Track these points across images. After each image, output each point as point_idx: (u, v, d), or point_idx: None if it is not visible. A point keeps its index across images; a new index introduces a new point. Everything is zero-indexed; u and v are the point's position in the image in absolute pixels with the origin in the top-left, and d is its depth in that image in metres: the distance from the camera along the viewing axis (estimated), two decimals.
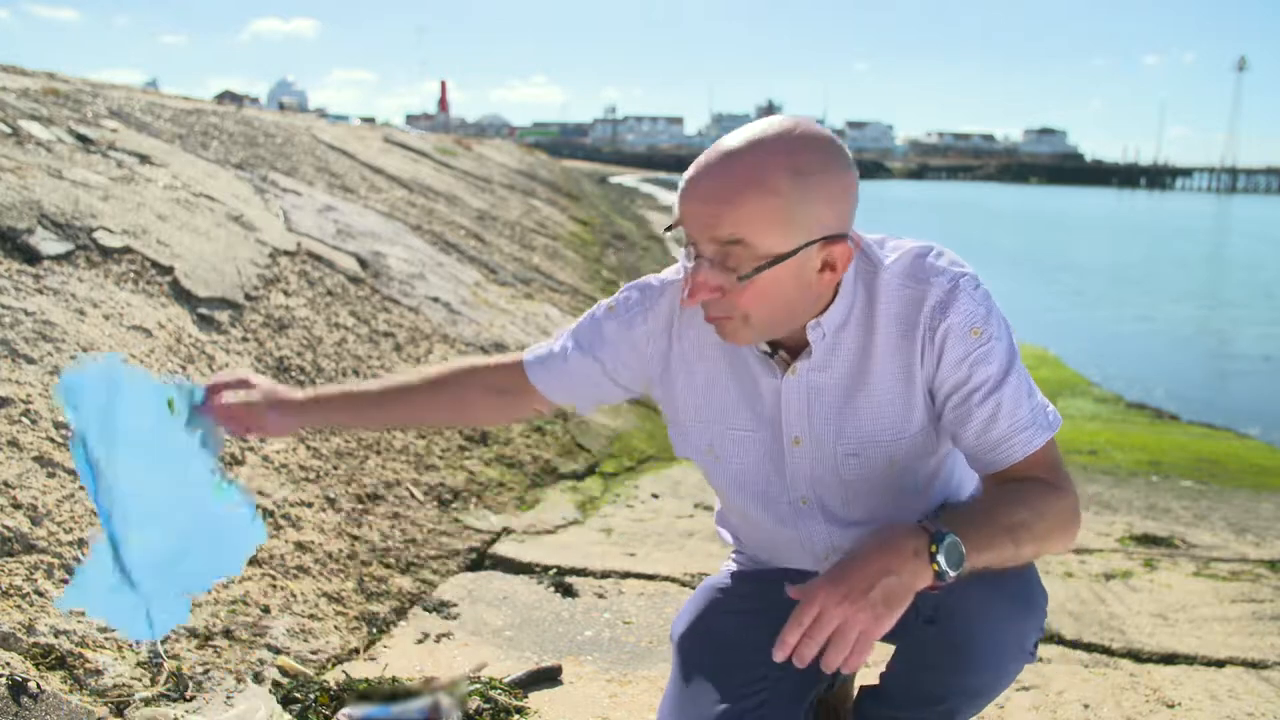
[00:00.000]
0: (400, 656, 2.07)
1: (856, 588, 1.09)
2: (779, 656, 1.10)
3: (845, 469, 1.37)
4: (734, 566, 1.65)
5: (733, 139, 1.21)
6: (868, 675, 1.51)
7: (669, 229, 1.28)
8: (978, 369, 1.26)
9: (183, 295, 3.23)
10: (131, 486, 1.37)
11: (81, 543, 1.96)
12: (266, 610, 2.07)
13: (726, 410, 1.41)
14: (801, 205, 1.18)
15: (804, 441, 1.37)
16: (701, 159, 1.22)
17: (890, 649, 1.39)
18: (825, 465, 1.38)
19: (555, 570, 2.64)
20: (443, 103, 63.77)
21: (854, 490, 1.39)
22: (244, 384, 1.48)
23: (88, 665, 1.67)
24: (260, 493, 2.52)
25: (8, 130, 4.00)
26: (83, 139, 4.45)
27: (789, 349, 1.36)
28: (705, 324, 1.36)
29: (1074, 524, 1.26)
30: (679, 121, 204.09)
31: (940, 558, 1.12)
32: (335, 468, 2.85)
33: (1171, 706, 1.99)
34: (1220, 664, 2.22)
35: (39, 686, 1.53)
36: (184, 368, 2.83)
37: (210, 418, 1.45)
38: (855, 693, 1.52)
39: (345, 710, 1.55)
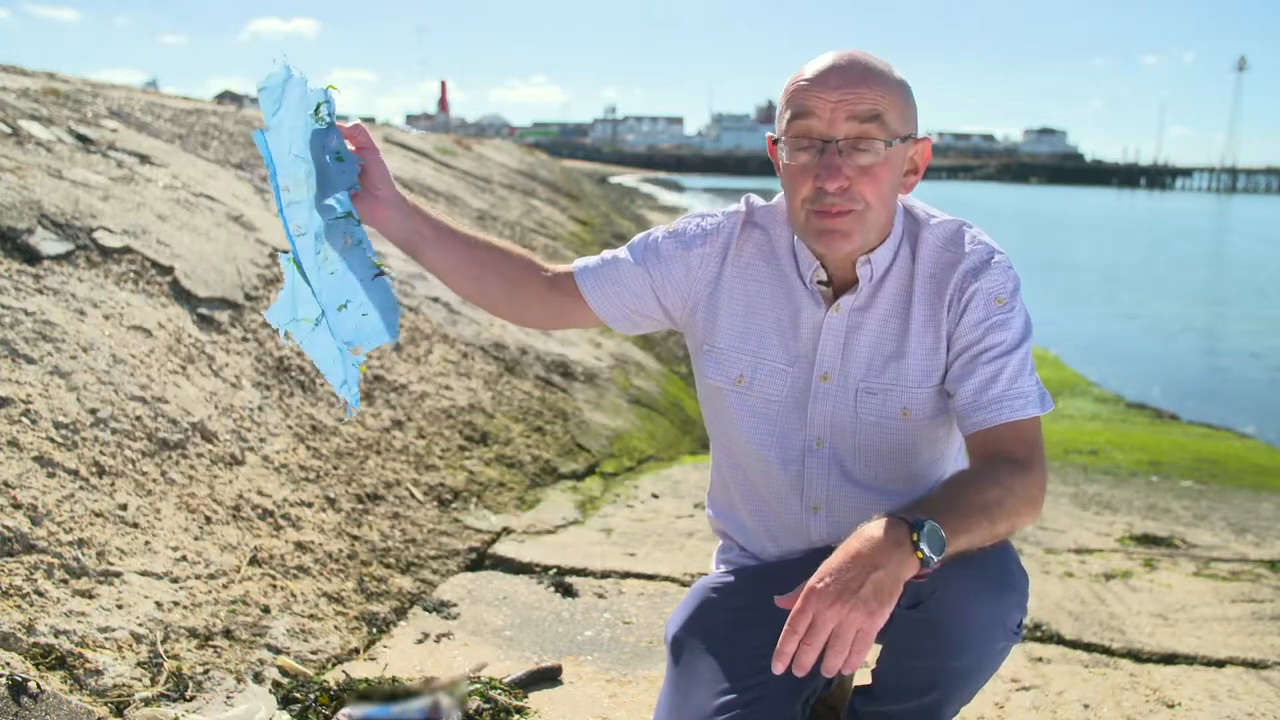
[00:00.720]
0: (400, 656, 2.07)
1: (847, 588, 1.11)
2: (778, 668, 1.11)
3: (863, 408, 1.43)
4: (726, 566, 1.65)
5: (835, 51, 1.35)
6: (863, 675, 1.51)
7: (777, 139, 1.37)
8: (992, 333, 1.36)
9: (183, 295, 3.23)
10: (303, 202, 1.29)
11: (82, 543, 1.96)
12: (266, 610, 2.07)
13: (764, 341, 1.48)
14: (909, 99, 1.36)
15: (832, 378, 1.44)
16: (815, 63, 1.34)
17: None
18: (846, 405, 1.44)
19: (555, 570, 2.64)
20: (443, 103, 63.78)
21: (866, 439, 1.45)
22: (366, 141, 1.39)
23: (88, 665, 1.67)
24: (260, 493, 2.52)
25: (8, 130, 4.00)
26: (83, 139, 4.45)
27: (835, 289, 1.45)
28: (753, 262, 1.48)
29: (1040, 498, 1.32)
30: (679, 121, 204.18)
31: (922, 545, 1.14)
32: (335, 468, 2.85)
33: (1171, 706, 1.99)
34: (1220, 664, 2.22)
35: (39, 686, 1.53)
36: (184, 368, 2.84)
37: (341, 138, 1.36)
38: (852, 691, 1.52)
39: (345, 710, 1.55)
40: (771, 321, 1.48)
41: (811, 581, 1.13)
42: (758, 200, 1.54)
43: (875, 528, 1.16)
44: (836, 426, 1.46)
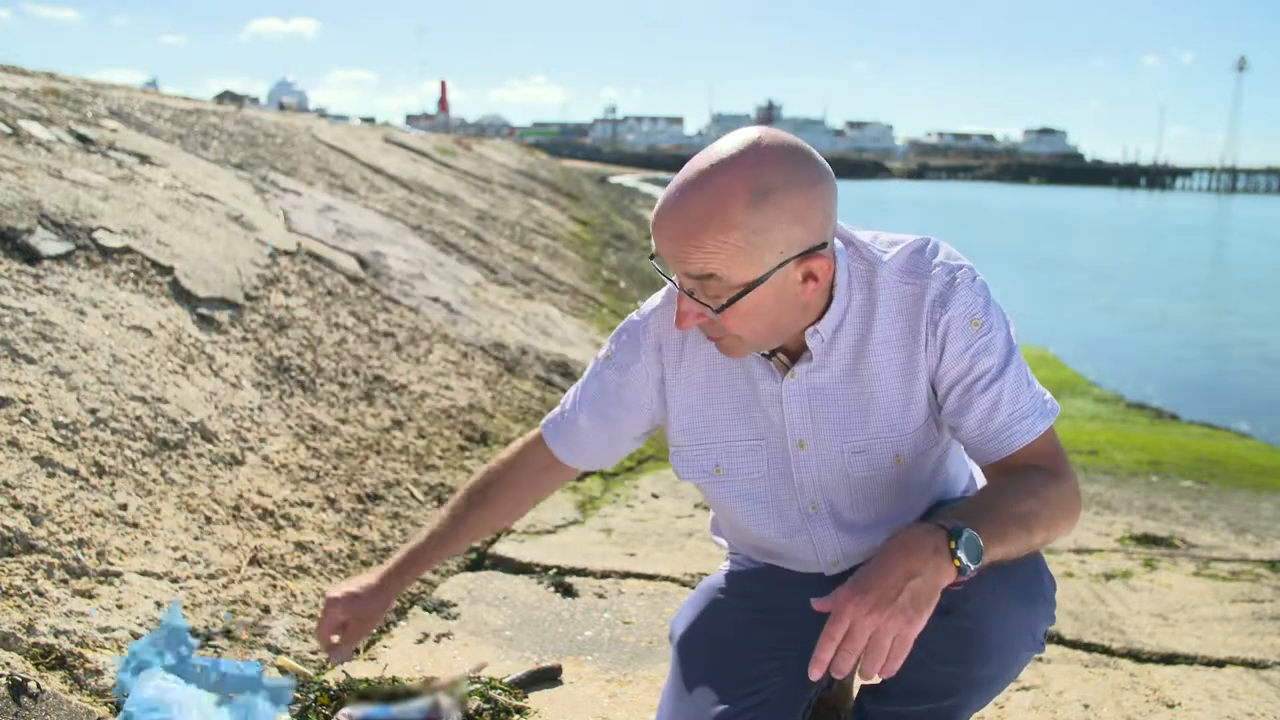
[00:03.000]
0: (400, 656, 2.07)
1: (885, 595, 1.10)
2: (815, 675, 1.10)
3: (853, 467, 1.38)
4: (733, 567, 1.65)
5: (694, 165, 1.21)
6: None
7: (652, 257, 1.29)
8: (979, 359, 1.29)
9: (183, 295, 3.23)
10: None
11: (82, 543, 1.96)
12: (266, 610, 2.07)
13: (725, 426, 1.42)
14: (764, 232, 1.18)
15: (809, 445, 1.38)
16: (667, 191, 1.23)
17: None
18: (833, 467, 1.39)
19: (555, 570, 2.64)
20: (443, 103, 63.66)
21: (862, 490, 1.40)
22: (341, 622, 1.50)
23: (88, 665, 1.67)
24: (260, 492, 2.52)
25: (8, 130, 4.00)
26: (83, 139, 4.45)
27: (789, 353, 1.37)
28: (694, 346, 1.41)
29: (1077, 508, 1.29)
30: (679, 121, 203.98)
31: (960, 553, 1.13)
32: (335, 468, 2.85)
33: (1171, 706, 1.99)
34: (1220, 664, 2.22)
35: (39, 686, 1.53)
36: (184, 368, 2.84)
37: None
38: (855, 692, 1.51)
39: (345, 710, 1.55)
40: (729, 400, 1.41)
41: (848, 588, 1.12)
42: None
43: (913, 533, 1.15)
44: (827, 487, 1.41)
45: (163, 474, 2.35)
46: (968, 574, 1.13)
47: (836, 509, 1.42)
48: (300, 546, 2.38)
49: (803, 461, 1.40)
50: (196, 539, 2.20)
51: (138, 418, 2.46)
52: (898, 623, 1.09)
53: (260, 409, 2.91)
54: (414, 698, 1.54)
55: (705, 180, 1.18)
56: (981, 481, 1.50)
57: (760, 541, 1.51)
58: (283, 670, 1.88)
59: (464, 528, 1.54)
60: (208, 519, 2.29)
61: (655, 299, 1.47)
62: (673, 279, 1.26)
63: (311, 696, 1.78)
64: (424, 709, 1.48)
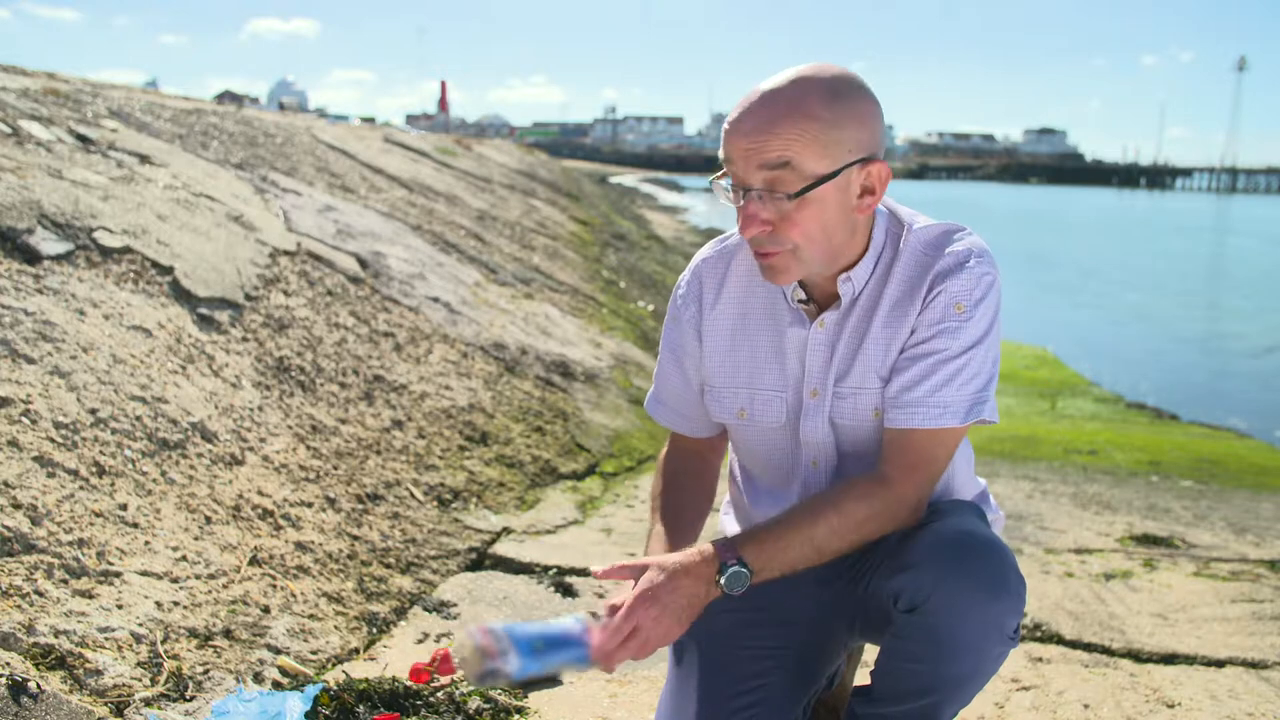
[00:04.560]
0: (400, 656, 2.07)
1: (668, 607, 1.25)
2: (608, 667, 1.25)
3: (837, 413, 1.42)
4: None
5: (768, 81, 1.29)
6: (863, 676, 1.51)
7: (719, 177, 1.34)
8: (940, 338, 1.33)
9: (183, 295, 3.23)
10: None
11: (82, 543, 1.96)
12: (266, 610, 2.07)
13: (755, 370, 1.47)
14: (838, 127, 1.26)
15: (820, 392, 1.43)
16: (741, 101, 1.30)
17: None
18: (825, 415, 1.43)
19: (555, 570, 2.64)
20: (443, 103, 63.63)
21: (848, 445, 1.44)
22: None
23: (88, 665, 1.67)
24: (260, 493, 2.52)
25: (8, 130, 4.00)
26: (83, 139, 4.45)
27: (818, 303, 1.42)
28: (728, 294, 1.47)
29: (901, 512, 1.34)
30: (679, 121, 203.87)
31: (722, 583, 1.25)
32: (335, 468, 2.85)
33: (1171, 706, 1.99)
34: (1220, 664, 2.22)
35: (39, 686, 1.53)
36: (184, 368, 2.84)
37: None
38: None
39: (477, 626, 1.37)
40: (761, 348, 1.47)
41: (638, 595, 1.24)
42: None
43: (693, 562, 1.26)
44: (824, 442, 1.45)
45: (163, 474, 2.35)
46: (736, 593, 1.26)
47: (829, 468, 1.47)
48: (300, 546, 2.38)
49: (811, 412, 1.44)
50: (196, 539, 2.20)
51: (138, 418, 2.46)
52: (669, 631, 1.24)
53: (260, 409, 2.92)
54: (558, 617, 1.44)
55: (784, 82, 1.28)
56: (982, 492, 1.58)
57: (769, 492, 1.55)
58: (283, 671, 1.88)
59: (696, 514, 1.55)
60: (208, 519, 2.29)
61: (706, 249, 1.53)
62: (737, 192, 1.30)
63: (312, 696, 1.78)
64: (576, 618, 1.40)
